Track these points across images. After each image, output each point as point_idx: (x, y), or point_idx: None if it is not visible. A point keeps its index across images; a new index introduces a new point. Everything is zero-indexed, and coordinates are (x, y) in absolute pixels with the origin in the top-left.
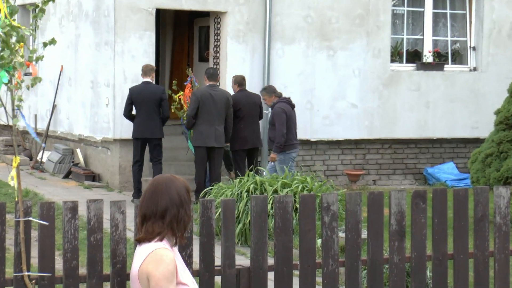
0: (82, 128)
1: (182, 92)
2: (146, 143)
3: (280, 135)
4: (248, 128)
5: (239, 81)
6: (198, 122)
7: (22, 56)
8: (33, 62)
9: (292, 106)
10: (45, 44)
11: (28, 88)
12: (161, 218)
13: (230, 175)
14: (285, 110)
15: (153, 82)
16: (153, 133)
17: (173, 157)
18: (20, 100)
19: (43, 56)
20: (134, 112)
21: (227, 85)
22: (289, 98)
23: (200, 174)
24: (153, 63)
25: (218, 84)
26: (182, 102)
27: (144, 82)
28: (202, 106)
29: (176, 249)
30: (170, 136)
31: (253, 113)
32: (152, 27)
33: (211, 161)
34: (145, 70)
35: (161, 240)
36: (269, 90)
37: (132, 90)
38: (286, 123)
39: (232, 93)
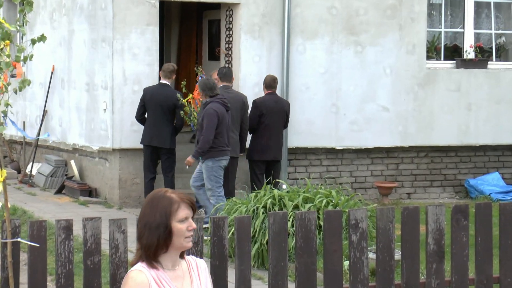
0: (76, 137)
1: (191, 95)
2: (157, 152)
3: (205, 140)
4: (272, 138)
5: (268, 83)
6: None
7: (8, 56)
8: (21, 62)
9: (227, 107)
10: (33, 41)
11: (15, 92)
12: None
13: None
14: (217, 113)
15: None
16: (163, 142)
17: (180, 169)
18: (7, 105)
19: (32, 55)
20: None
21: (240, 87)
22: (224, 98)
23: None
24: (156, 62)
25: (231, 85)
26: (192, 106)
27: (160, 84)
28: None
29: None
30: (177, 144)
31: (279, 121)
32: (155, 21)
33: (224, 173)
34: (166, 72)
35: (137, 261)
36: (202, 85)
37: (146, 91)
38: (217, 127)
39: (247, 95)
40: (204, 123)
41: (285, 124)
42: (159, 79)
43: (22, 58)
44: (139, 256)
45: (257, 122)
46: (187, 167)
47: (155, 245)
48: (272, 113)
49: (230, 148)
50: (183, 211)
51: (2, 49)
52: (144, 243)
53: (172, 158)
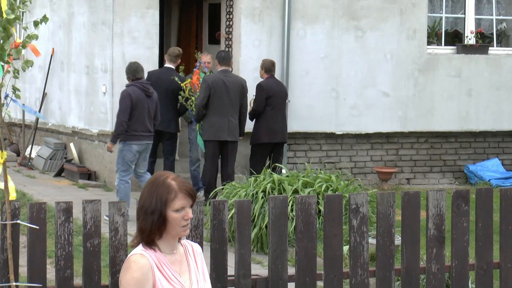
0: (76, 120)
1: (189, 80)
2: (160, 137)
3: (118, 123)
4: (279, 120)
5: (268, 67)
6: (209, 113)
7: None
8: (31, 42)
9: (148, 92)
10: (36, 23)
11: (18, 73)
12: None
13: None
14: (131, 96)
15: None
16: (167, 126)
17: (180, 153)
18: (15, 90)
19: (37, 36)
20: None
21: (240, 71)
22: (146, 83)
23: (210, 171)
24: (156, 45)
25: (230, 69)
26: (190, 91)
27: (165, 68)
28: (213, 95)
29: (169, 256)
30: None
31: (282, 103)
32: (155, 5)
33: (223, 157)
34: (171, 56)
35: (138, 244)
36: (126, 68)
37: (150, 74)
38: (131, 111)
39: (247, 79)
40: (119, 105)
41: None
42: (163, 63)
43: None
44: (139, 239)
45: (264, 105)
46: (108, 153)
47: (149, 230)
48: (277, 96)
49: (148, 134)
50: (179, 201)
51: (9, 36)
52: (138, 226)
53: (175, 143)
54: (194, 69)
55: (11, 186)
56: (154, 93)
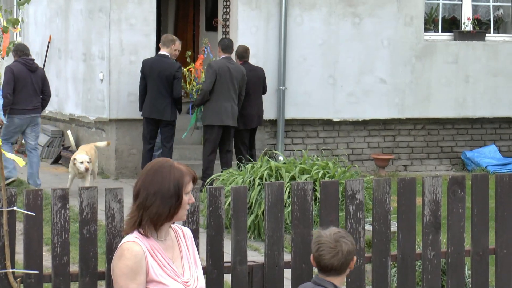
0: (73, 107)
1: (192, 64)
2: (157, 125)
3: (4, 96)
4: (254, 106)
5: (240, 53)
6: (214, 98)
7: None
8: (12, 27)
9: (31, 68)
10: (19, 4)
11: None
12: (134, 202)
13: None
14: (13, 71)
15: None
16: (163, 114)
17: (176, 140)
18: None
19: (17, 20)
20: None
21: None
22: (30, 59)
23: (210, 158)
24: (153, 32)
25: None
26: (192, 76)
27: (159, 55)
28: (219, 80)
29: (162, 242)
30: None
31: (258, 88)
32: None
33: (224, 143)
34: (164, 41)
35: (134, 229)
36: (14, 47)
37: (145, 62)
38: (16, 86)
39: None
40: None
41: (264, 90)
42: (157, 50)
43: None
44: (131, 225)
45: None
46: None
47: (166, 215)
48: (251, 81)
49: (31, 108)
50: (190, 185)
51: None
52: (154, 211)
53: (172, 130)
54: (204, 54)
55: (18, 159)
56: (40, 69)
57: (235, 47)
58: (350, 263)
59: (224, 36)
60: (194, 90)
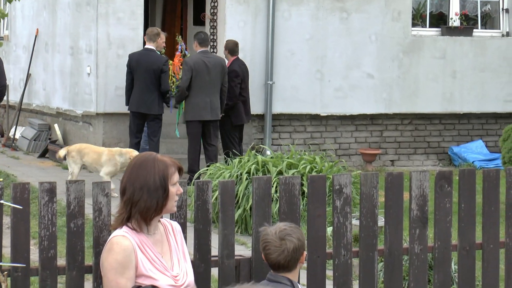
0: (60, 101)
1: (171, 62)
2: (144, 119)
3: None
4: (247, 101)
5: (232, 48)
6: (192, 94)
7: None
8: None
9: None
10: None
11: None
12: (122, 199)
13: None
14: None
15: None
16: (150, 108)
17: (164, 134)
18: None
19: (6, 14)
20: None
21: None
22: None
23: (194, 152)
24: (141, 26)
25: (210, 50)
26: (172, 72)
27: (145, 49)
28: (195, 76)
29: (151, 237)
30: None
31: (248, 84)
32: None
33: (206, 137)
34: (150, 35)
35: (123, 225)
36: None
37: (131, 57)
38: None
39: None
40: None
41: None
42: (144, 44)
43: None
44: (120, 221)
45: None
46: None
47: (154, 208)
48: (245, 78)
49: None
50: (176, 175)
51: None
52: (142, 205)
53: (159, 123)
54: (177, 52)
55: None
56: None
57: (223, 42)
58: (299, 259)
59: (212, 30)
60: (174, 86)
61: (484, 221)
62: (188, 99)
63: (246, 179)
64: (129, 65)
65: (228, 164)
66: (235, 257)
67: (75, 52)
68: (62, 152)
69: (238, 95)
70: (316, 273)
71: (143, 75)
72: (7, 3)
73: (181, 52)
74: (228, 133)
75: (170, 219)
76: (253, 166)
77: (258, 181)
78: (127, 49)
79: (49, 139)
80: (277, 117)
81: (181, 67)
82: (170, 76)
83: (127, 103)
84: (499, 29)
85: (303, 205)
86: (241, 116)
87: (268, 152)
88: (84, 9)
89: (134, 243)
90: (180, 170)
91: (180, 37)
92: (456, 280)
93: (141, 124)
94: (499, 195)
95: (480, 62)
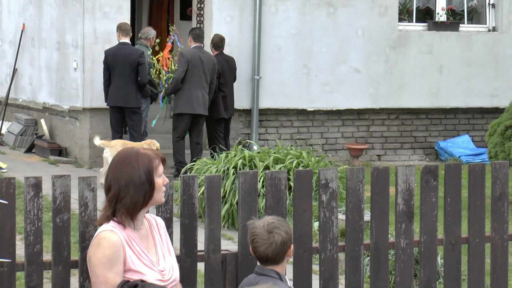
0: (46, 96)
1: (161, 53)
2: (123, 113)
3: None
4: (229, 96)
5: (217, 43)
6: (185, 86)
7: None
8: None
9: None
10: None
11: None
12: (107, 195)
13: None
14: None
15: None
16: (127, 101)
17: (149, 129)
18: None
19: None
20: None
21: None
22: None
23: (181, 144)
24: (128, 21)
25: (203, 46)
26: (160, 65)
27: (120, 43)
28: (191, 69)
29: (137, 231)
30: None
31: (231, 79)
32: None
33: (193, 131)
34: (123, 29)
35: (108, 220)
36: None
37: (107, 53)
38: None
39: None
40: None
41: (234, 79)
42: (134, 39)
43: None
44: (105, 218)
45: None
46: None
47: (141, 202)
48: (227, 72)
49: None
50: (161, 167)
51: None
52: (129, 201)
53: (138, 117)
54: (169, 42)
55: None
56: None
57: (210, 37)
58: (287, 252)
59: (198, 25)
60: (164, 78)
61: (470, 215)
62: (180, 91)
63: (233, 174)
64: (105, 62)
65: (215, 159)
66: (222, 252)
67: (62, 47)
68: (104, 148)
69: (217, 89)
70: (302, 267)
71: (120, 69)
72: None
73: (173, 44)
74: (212, 128)
75: (156, 214)
76: (240, 161)
77: (245, 176)
78: (114, 44)
79: (36, 134)
80: (264, 112)
81: (170, 59)
82: (159, 69)
83: (106, 99)
84: (486, 24)
85: (289, 199)
86: (220, 111)
87: (255, 147)
88: (70, 3)
89: (122, 238)
90: (163, 161)
91: (173, 27)
92: (442, 274)
93: (120, 119)
94: (485, 189)
95: (466, 57)
